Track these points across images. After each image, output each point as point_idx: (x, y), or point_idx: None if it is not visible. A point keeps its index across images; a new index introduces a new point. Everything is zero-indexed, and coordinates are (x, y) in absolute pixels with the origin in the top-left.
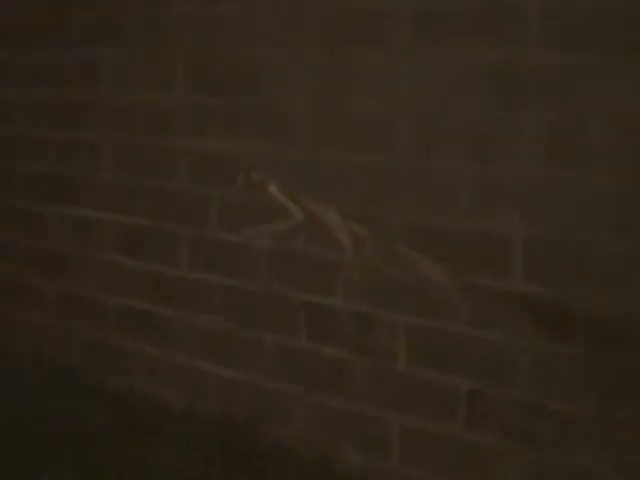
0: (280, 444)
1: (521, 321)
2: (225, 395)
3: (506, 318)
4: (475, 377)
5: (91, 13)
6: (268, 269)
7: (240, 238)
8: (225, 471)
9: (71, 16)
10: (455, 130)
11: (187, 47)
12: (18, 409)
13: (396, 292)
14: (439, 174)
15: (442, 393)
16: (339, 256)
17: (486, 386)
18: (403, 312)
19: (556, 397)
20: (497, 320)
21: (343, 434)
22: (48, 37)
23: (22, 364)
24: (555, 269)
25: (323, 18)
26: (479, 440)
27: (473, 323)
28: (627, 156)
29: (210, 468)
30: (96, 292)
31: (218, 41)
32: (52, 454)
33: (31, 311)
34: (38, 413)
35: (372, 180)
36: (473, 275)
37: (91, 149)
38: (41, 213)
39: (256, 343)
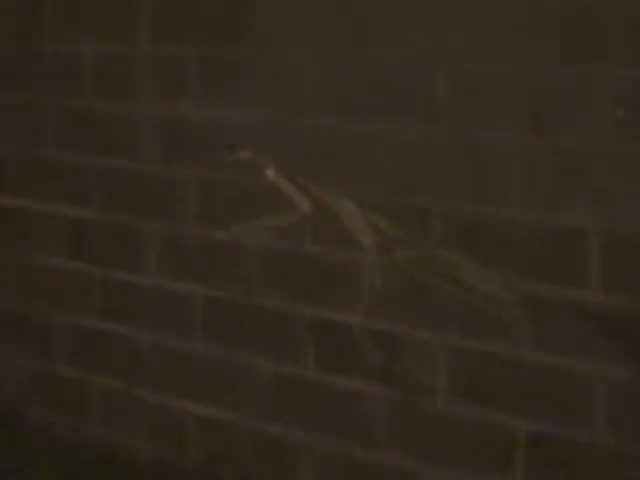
0: None
1: (599, 342)
2: (208, 442)
3: (579, 339)
4: (538, 416)
5: None
6: (264, 276)
7: (227, 235)
8: None
9: None
10: (511, 90)
11: None
12: None
13: (434, 306)
14: (490, 148)
15: (495, 437)
16: (358, 259)
17: (552, 427)
18: (444, 332)
19: None
20: (567, 341)
21: None
22: None
23: None
24: None
25: None
26: None
27: (536, 346)
28: None
29: None
30: (35, 307)
31: None
32: None
33: None
34: None
35: (401, 158)
36: (536, 283)
37: (26, 116)
38: None
39: (249, 373)
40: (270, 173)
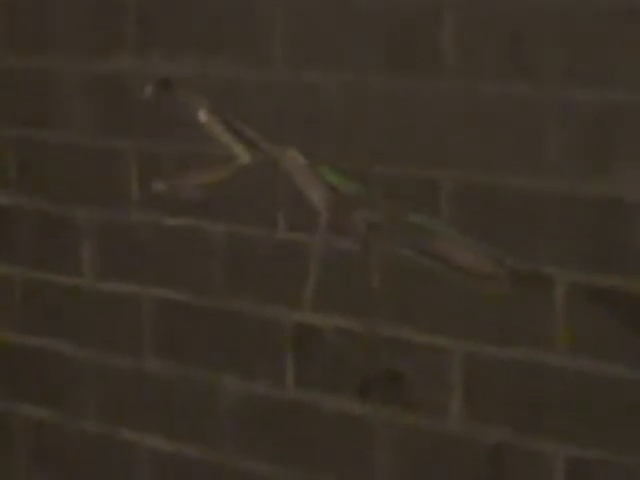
0: None
1: None
2: None
3: (633, 342)
4: (580, 439)
5: None
6: (229, 271)
7: (178, 220)
8: None
9: None
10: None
11: None
12: None
13: (435, 296)
14: (506, 99)
15: (526, 465)
16: (348, 246)
17: (598, 453)
18: (453, 333)
19: None
20: (618, 346)
21: None
22: None
23: None
24: None
25: None
26: None
27: (576, 350)
28: None
29: None
30: None
31: None
32: None
33: None
34: None
35: (393, 112)
36: (579, 270)
37: None
38: None
39: (212, 395)
40: (203, 115)
